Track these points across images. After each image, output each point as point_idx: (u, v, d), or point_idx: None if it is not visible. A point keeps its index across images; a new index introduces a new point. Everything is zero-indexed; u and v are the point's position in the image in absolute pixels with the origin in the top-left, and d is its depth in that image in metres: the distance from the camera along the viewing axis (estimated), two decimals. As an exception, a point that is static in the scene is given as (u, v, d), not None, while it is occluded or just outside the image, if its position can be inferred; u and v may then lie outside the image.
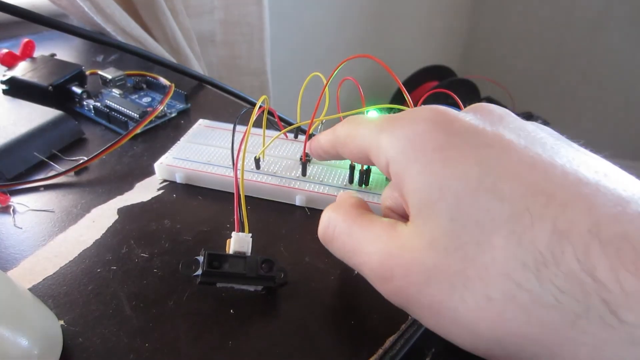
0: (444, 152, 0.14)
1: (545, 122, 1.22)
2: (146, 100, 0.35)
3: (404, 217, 0.16)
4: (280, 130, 0.29)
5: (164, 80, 0.37)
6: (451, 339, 0.14)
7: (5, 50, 0.38)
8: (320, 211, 0.25)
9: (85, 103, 0.34)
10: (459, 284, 0.13)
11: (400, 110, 0.23)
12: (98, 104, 0.33)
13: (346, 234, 0.17)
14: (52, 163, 0.28)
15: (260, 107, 0.24)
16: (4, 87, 0.35)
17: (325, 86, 0.24)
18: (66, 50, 0.46)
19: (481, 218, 0.13)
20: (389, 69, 0.23)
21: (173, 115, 0.35)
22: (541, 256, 0.12)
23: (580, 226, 0.11)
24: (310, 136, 0.28)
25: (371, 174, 0.26)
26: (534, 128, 0.15)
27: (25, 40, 0.38)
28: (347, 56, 0.24)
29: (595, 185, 0.12)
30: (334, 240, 0.17)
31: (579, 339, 0.11)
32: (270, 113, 0.28)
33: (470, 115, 0.15)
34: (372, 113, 0.24)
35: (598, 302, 0.11)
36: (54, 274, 0.21)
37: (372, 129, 0.17)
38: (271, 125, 0.30)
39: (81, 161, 0.28)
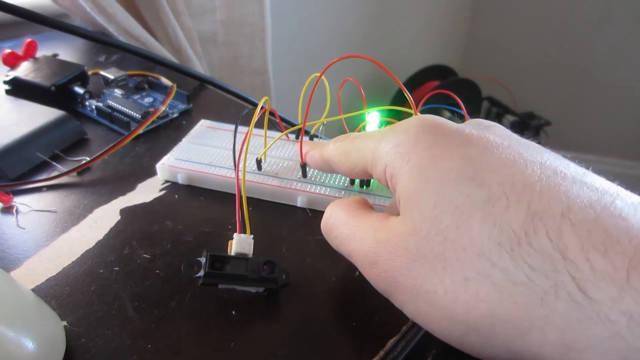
0: (432, 150, 0.15)
1: (547, 122, 1.22)
2: (148, 100, 0.35)
3: None
4: (281, 131, 0.29)
5: (165, 81, 0.37)
6: (429, 327, 0.14)
7: (8, 51, 0.38)
8: (322, 212, 0.25)
9: (87, 103, 0.35)
10: (439, 266, 0.13)
11: (401, 111, 0.23)
12: (100, 104, 0.34)
13: (343, 223, 0.18)
14: (54, 163, 0.29)
15: (261, 108, 0.24)
16: (6, 87, 0.36)
17: (315, 85, 0.24)
18: (68, 50, 0.46)
19: (461, 203, 0.13)
20: (387, 69, 0.23)
21: (175, 115, 0.35)
22: (515, 235, 0.12)
23: (554, 209, 0.12)
24: (312, 137, 0.28)
25: (372, 175, 0.26)
26: (520, 137, 0.16)
27: (28, 40, 0.39)
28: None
29: (572, 178, 0.13)
30: (333, 229, 0.18)
31: (548, 317, 0.11)
32: (271, 114, 0.28)
33: (457, 124, 0.16)
34: (374, 114, 0.24)
35: (567, 279, 0.11)
36: (56, 274, 0.21)
37: (367, 143, 0.18)
38: (272, 126, 0.30)
39: (84, 162, 0.28)
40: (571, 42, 1.26)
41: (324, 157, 0.21)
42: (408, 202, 0.15)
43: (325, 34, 0.99)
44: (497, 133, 0.16)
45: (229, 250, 0.20)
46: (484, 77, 1.22)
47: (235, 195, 0.21)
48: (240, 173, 0.21)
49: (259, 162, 0.27)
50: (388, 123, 0.25)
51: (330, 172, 0.23)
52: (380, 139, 0.17)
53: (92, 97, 0.35)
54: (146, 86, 0.37)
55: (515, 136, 0.16)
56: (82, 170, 0.28)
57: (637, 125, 1.25)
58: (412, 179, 0.15)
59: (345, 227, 0.18)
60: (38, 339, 0.16)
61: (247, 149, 0.22)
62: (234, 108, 0.37)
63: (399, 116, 0.24)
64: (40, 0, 0.51)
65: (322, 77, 0.24)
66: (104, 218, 0.24)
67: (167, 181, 0.28)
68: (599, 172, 0.14)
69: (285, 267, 0.20)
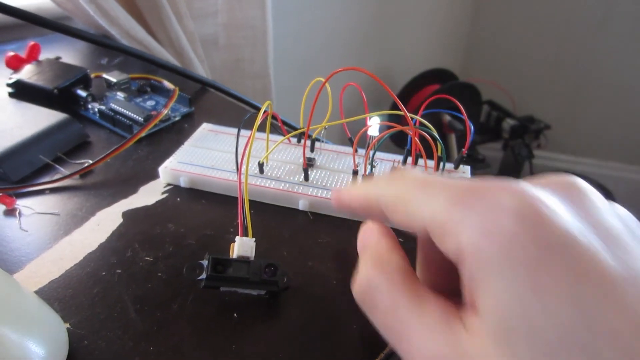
0: (535, 271, 0.12)
1: (547, 126, 1.23)
2: (150, 103, 0.36)
3: (444, 259, 0.14)
4: (283, 135, 0.29)
5: (167, 84, 0.37)
6: None
7: (11, 53, 0.38)
8: (323, 216, 0.25)
9: (90, 106, 0.35)
10: None
11: (400, 115, 0.23)
12: (103, 107, 0.34)
13: (390, 308, 0.15)
14: (57, 166, 0.29)
15: (264, 112, 0.24)
16: (9, 90, 0.36)
17: (318, 93, 0.24)
18: (71, 53, 0.46)
19: None
20: (382, 82, 0.23)
21: (177, 118, 0.35)
22: None
23: None
24: (314, 141, 0.29)
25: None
26: (629, 233, 0.13)
27: (31, 43, 0.39)
28: (349, 59, 0.24)
29: None
30: (375, 309, 0.15)
31: None
32: (273, 117, 0.28)
33: (564, 212, 0.13)
34: (375, 119, 0.24)
35: None
36: (59, 277, 0.21)
37: (437, 199, 0.14)
38: (274, 130, 0.30)
39: (86, 164, 0.28)
40: (571, 45, 1.26)
41: (371, 195, 0.16)
42: (497, 336, 0.12)
43: (325, 37, 0.99)
44: (611, 240, 0.13)
45: (231, 253, 0.20)
46: (483, 81, 1.23)
47: (236, 198, 0.22)
48: (242, 176, 0.21)
49: (261, 166, 0.27)
50: (389, 127, 0.25)
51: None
52: (457, 203, 0.13)
53: (94, 100, 0.35)
54: (148, 89, 0.37)
55: (630, 243, 0.13)
56: (84, 173, 0.28)
57: (637, 129, 1.25)
58: (507, 307, 0.12)
59: (393, 317, 0.14)
60: (41, 341, 0.16)
61: (249, 152, 0.22)
62: (236, 111, 0.37)
63: (399, 120, 0.24)
64: (43, 2, 0.51)
65: (323, 80, 0.24)
66: (107, 221, 0.25)
67: (169, 184, 0.28)
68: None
69: (286, 270, 0.20)
